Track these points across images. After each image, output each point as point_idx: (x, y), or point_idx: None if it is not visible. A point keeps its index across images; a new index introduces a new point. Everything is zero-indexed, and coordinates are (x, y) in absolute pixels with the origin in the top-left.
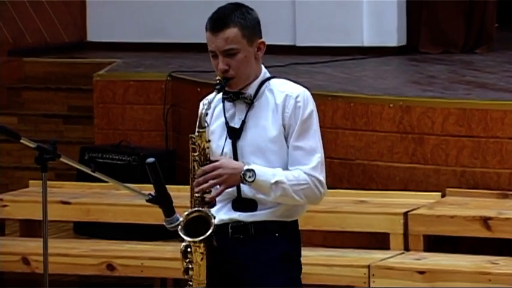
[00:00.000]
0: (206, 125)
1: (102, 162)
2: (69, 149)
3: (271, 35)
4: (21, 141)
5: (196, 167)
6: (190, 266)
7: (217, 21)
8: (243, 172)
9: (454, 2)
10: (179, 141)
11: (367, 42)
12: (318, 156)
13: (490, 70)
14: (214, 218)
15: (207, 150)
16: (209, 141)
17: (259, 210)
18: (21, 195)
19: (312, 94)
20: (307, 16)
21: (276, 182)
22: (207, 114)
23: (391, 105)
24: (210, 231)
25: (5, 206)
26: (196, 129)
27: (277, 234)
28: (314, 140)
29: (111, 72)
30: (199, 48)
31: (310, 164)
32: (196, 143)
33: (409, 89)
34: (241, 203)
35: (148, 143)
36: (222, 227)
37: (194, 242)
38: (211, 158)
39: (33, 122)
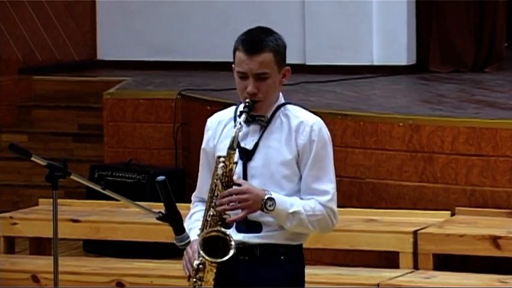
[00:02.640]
0: (236, 147)
1: (111, 181)
2: (79, 167)
3: None
4: (32, 158)
5: (219, 187)
6: (199, 283)
7: (254, 44)
8: (264, 200)
9: (463, 21)
10: (189, 159)
11: (377, 61)
12: (332, 187)
13: (500, 89)
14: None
15: (232, 172)
16: (236, 163)
17: (264, 232)
18: (31, 213)
19: (321, 113)
20: (317, 35)
21: (294, 212)
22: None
23: (400, 124)
24: (230, 254)
25: (15, 223)
26: (227, 150)
27: (282, 257)
28: (329, 170)
29: (121, 90)
30: (209, 66)
31: (326, 194)
32: (225, 163)
33: (418, 107)
34: (245, 225)
35: (158, 162)
36: None
37: (212, 262)
38: (236, 181)
39: (43, 140)
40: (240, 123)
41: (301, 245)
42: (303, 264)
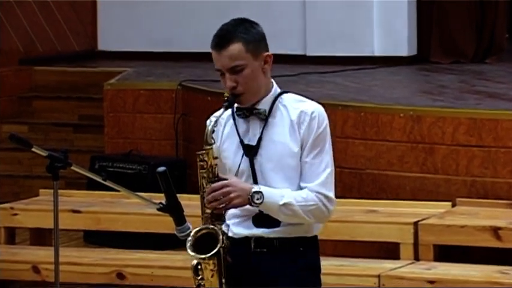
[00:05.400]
0: (213, 142)
1: (112, 171)
2: (79, 158)
3: (282, 45)
4: (33, 149)
5: (205, 184)
6: (202, 283)
7: (220, 38)
8: (251, 194)
9: (465, 12)
10: (189, 150)
11: (377, 52)
12: (328, 172)
13: (501, 80)
14: (224, 234)
15: (214, 167)
16: (216, 158)
17: (282, 227)
18: (32, 203)
19: (322, 103)
20: (318, 26)
21: (285, 204)
22: (213, 131)
23: (401, 114)
24: (216, 248)
25: (16, 214)
26: (203, 147)
27: (301, 248)
28: (325, 156)
29: (122, 81)
30: (209, 57)
31: (317, 179)
32: (204, 160)
33: (419, 98)
34: (263, 219)
35: (158, 152)
36: (243, 240)
37: (202, 259)
38: (221, 176)
39: (44, 131)
40: (216, 117)
41: (316, 237)
42: (319, 256)
